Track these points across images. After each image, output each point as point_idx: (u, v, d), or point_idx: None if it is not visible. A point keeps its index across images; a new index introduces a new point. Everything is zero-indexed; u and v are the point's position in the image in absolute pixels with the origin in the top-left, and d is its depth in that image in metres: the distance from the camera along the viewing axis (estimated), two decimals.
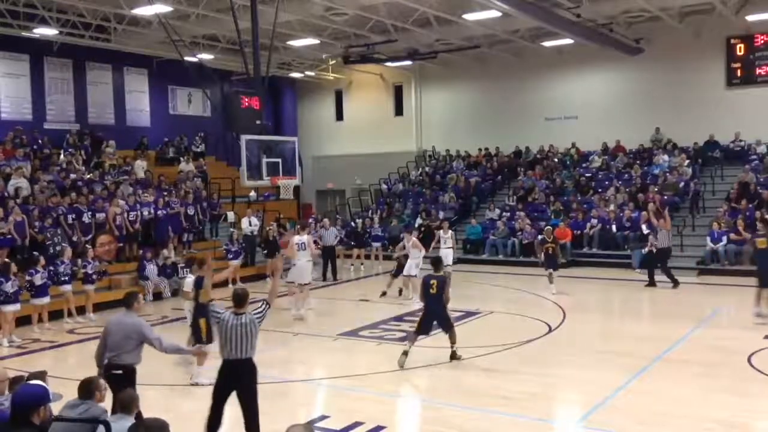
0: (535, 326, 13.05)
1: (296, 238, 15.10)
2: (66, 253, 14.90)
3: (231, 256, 19.24)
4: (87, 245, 16.31)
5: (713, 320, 13.76)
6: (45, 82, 23.43)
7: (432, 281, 10.62)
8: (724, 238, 18.93)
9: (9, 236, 15.24)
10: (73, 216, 17.03)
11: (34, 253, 14.35)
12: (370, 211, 26.17)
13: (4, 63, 22.33)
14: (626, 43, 22.84)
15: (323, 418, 8.11)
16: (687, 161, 23.29)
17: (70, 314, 14.65)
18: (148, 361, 11.44)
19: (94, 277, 15.34)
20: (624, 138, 25.21)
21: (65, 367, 11.03)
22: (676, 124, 24.09)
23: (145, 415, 5.54)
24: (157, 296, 17.25)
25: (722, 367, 10.17)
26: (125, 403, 5.49)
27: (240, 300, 7.04)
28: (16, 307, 13.11)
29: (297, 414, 8.52)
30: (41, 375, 6.02)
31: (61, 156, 21.17)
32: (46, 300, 13.83)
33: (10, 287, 12.89)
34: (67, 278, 14.54)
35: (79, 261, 15.39)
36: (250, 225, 20.50)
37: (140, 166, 22.49)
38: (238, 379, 6.91)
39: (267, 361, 11.08)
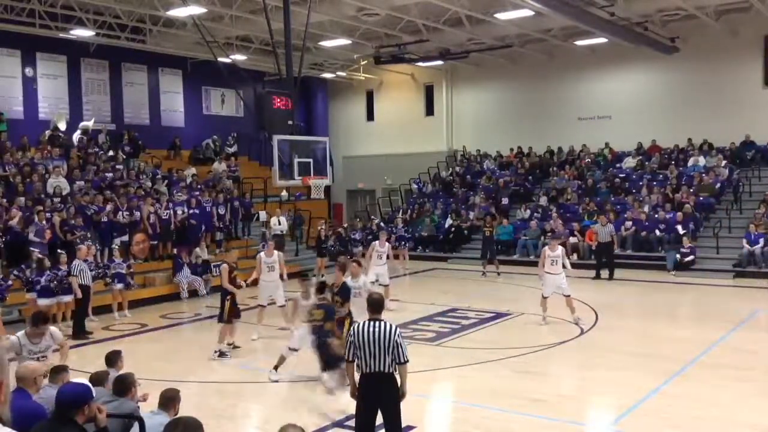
0: (568, 328, 12.94)
1: None
2: (81, 253, 14.73)
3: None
4: (113, 245, 16.52)
5: (749, 323, 13.50)
6: (82, 83, 23.87)
7: None
8: (761, 240, 18.59)
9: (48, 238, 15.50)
10: (110, 211, 17.29)
11: (59, 251, 14.51)
12: (400, 212, 26.27)
13: (42, 64, 22.79)
14: (661, 42, 22.52)
15: (352, 417, 8.13)
16: (724, 162, 22.90)
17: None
18: (178, 359, 11.62)
19: (121, 274, 15.45)
20: (659, 138, 24.87)
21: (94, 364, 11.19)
22: (712, 124, 23.66)
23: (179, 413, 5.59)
24: (193, 294, 17.47)
25: (758, 371, 9.99)
26: (165, 400, 5.55)
27: (377, 306, 6.40)
28: (52, 300, 13.56)
29: (326, 412, 8.55)
30: (63, 368, 6.14)
31: (97, 155, 21.49)
32: (68, 298, 13.93)
33: (44, 281, 13.37)
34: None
35: (115, 260, 15.56)
36: (279, 224, 20.62)
37: (190, 173, 22.69)
38: (379, 395, 6.23)
39: (297, 359, 11.17)
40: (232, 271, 11.73)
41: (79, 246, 15.13)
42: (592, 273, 19.09)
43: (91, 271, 14.36)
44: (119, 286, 15.30)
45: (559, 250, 13.66)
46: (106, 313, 15.05)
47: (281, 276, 13.21)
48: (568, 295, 13.34)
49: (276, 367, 9.86)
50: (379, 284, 14.65)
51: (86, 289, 13.85)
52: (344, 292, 10.29)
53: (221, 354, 11.40)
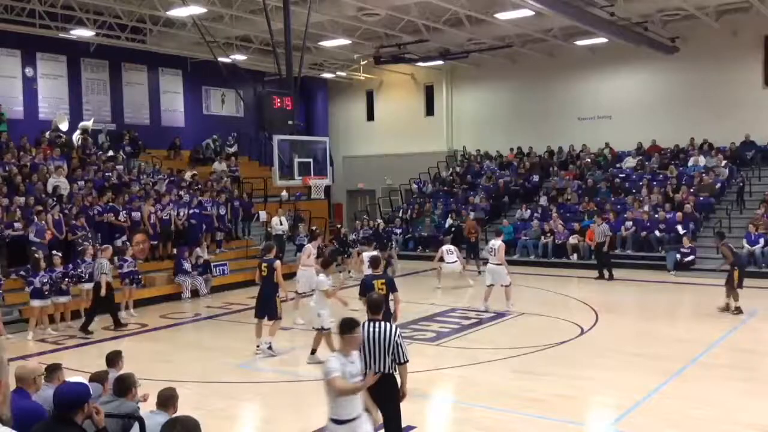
0: (567, 328, 12.94)
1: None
2: (87, 252, 14.87)
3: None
4: (126, 244, 16.54)
5: (749, 323, 13.50)
6: (82, 83, 23.87)
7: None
8: (761, 240, 18.59)
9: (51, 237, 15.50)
10: (110, 214, 17.30)
11: (53, 252, 14.47)
12: (401, 211, 26.30)
13: (42, 64, 22.79)
14: (661, 42, 22.53)
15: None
16: (724, 162, 22.89)
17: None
18: (178, 359, 11.62)
19: (135, 272, 15.59)
20: (659, 138, 24.87)
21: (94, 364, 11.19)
22: (712, 124, 23.66)
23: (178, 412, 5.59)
24: (194, 294, 17.48)
25: (758, 370, 10.00)
26: (164, 400, 5.54)
27: (377, 306, 6.42)
28: (45, 302, 13.53)
29: (327, 411, 8.54)
30: (57, 367, 6.15)
31: (97, 155, 21.49)
32: (64, 299, 13.97)
33: (38, 283, 13.33)
34: (87, 277, 14.51)
35: (115, 259, 15.54)
36: (281, 224, 20.61)
37: (189, 174, 22.67)
38: (379, 395, 6.14)
39: (297, 359, 11.19)
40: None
41: (85, 246, 15.18)
42: (593, 273, 19.10)
43: (90, 270, 14.48)
44: (132, 285, 15.45)
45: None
46: (105, 313, 14.98)
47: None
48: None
49: None
50: None
51: (108, 286, 14.00)
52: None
53: (270, 347, 11.30)
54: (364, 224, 22.62)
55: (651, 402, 8.67)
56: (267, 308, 11.34)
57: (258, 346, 11.42)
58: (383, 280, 9.63)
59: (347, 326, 5.67)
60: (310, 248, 15.18)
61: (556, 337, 12.16)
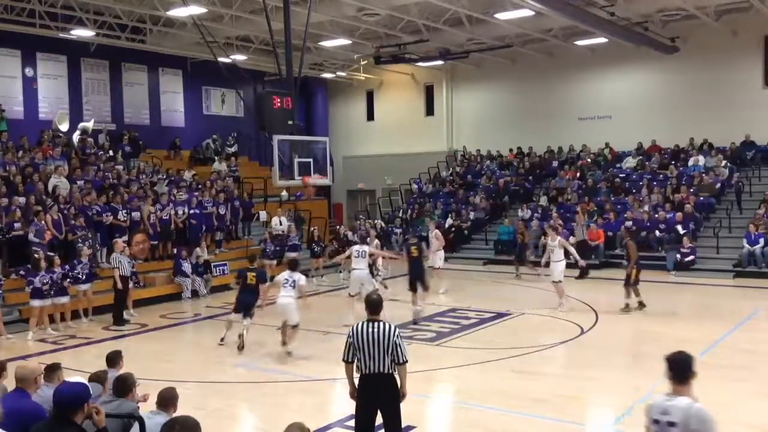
0: (568, 328, 12.94)
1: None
2: (84, 253, 14.91)
3: (270, 254, 19.61)
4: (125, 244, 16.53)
5: (749, 323, 13.51)
6: (82, 83, 23.86)
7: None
8: (761, 240, 18.59)
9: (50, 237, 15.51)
10: (108, 214, 17.29)
11: (50, 253, 14.44)
12: (401, 211, 26.30)
13: (42, 64, 22.78)
14: (661, 42, 22.53)
15: (352, 417, 8.12)
16: (724, 162, 22.89)
17: (86, 314, 14.78)
18: (178, 359, 11.62)
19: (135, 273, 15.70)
20: (659, 138, 24.86)
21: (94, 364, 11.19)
22: (712, 124, 23.62)
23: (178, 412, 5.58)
24: (193, 294, 17.48)
25: (758, 371, 9.99)
26: (164, 400, 5.54)
27: (375, 306, 6.38)
28: (45, 302, 13.55)
29: (326, 412, 8.56)
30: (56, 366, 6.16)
31: (97, 155, 21.46)
32: (64, 299, 14.02)
33: (38, 283, 13.36)
34: (83, 278, 14.56)
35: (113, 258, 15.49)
36: (281, 224, 20.62)
37: (189, 174, 22.64)
38: (379, 396, 6.23)
39: (295, 358, 11.19)
40: None
41: (80, 247, 15.19)
42: (593, 273, 19.09)
43: (86, 271, 14.59)
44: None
45: (557, 239, 14.90)
46: (104, 314, 15.00)
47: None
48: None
49: None
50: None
51: (125, 280, 14.55)
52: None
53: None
54: (361, 224, 22.57)
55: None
56: (420, 280, 14.52)
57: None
58: (254, 273, 11.95)
59: (690, 367, 4.59)
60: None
61: (556, 337, 12.17)
